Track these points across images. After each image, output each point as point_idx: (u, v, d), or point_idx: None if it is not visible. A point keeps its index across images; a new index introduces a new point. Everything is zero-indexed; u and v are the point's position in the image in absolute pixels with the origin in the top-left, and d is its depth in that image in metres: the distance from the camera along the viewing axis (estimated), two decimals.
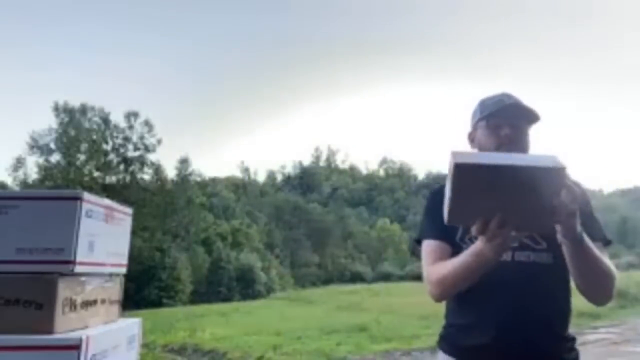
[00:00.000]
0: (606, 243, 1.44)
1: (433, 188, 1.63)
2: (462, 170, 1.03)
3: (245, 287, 38.40)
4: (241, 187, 67.75)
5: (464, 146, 1.55)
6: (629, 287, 15.39)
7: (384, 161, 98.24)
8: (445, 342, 1.51)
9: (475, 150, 1.47)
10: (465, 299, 1.42)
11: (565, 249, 1.25)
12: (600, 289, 1.35)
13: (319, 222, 54.36)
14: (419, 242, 1.53)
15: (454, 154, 1.05)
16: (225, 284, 38.66)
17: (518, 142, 1.40)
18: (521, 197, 1.04)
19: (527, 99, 1.46)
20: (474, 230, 1.14)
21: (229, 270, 39.37)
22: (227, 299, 34.19)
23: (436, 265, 1.41)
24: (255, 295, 35.72)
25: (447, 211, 1.10)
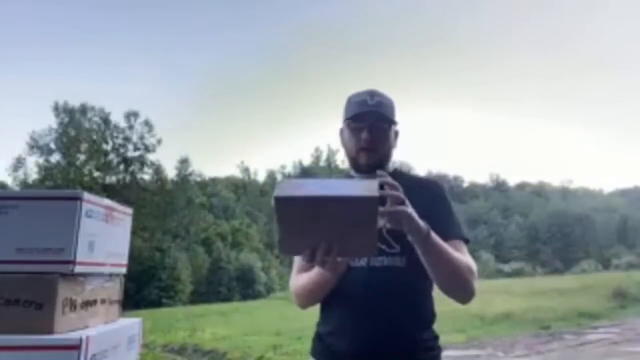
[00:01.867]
0: (465, 241, 1.45)
1: None
2: (282, 203, 1.07)
3: (245, 287, 38.39)
4: (241, 187, 67.75)
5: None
6: (629, 287, 15.39)
7: None
8: (315, 348, 1.53)
9: (344, 149, 1.54)
10: (326, 307, 1.50)
11: (416, 248, 1.28)
12: (457, 285, 1.36)
13: None
14: None
15: (278, 186, 1.10)
16: (225, 284, 38.64)
17: (377, 146, 1.45)
18: (340, 224, 1.09)
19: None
20: (303, 259, 1.18)
21: (229, 270, 39.37)
22: (227, 299, 34.22)
23: (298, 276, 1.50)
24: (255, 295, 35.71)
25: (278, 243, 1.13)
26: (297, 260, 1.53)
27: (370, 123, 1.44)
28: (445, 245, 1.30)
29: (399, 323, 1.39)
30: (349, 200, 1.07)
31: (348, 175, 1.58)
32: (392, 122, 1.47)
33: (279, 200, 1.06)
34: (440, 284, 1.37)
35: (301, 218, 1.08)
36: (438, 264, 1.31)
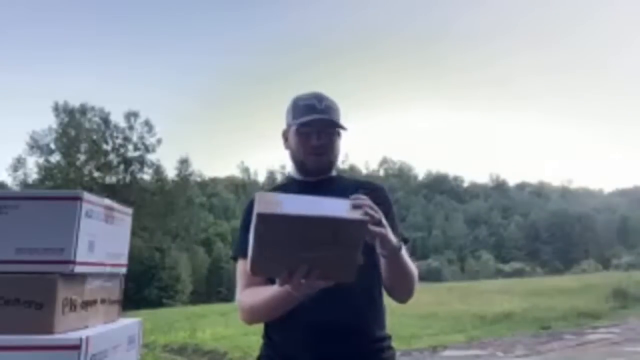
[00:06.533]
0: (405, 242, 1.44)
1: (250, 200, 1.56)
2: (266, 221, 0.99)
3: None
4: (241, 187, 67.78)
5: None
6: (629, 287, 15.35)
7: (384, 161, 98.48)
8: (266, 354, 1.47)
9: (288, 151, 1.52)
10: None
11: (383, 260, 1.30)
12: (410, 289, 1.42)
13: None
14: (235, 259, 1.49)
15: (259, 200, 1.01)
16: (225, 284, 38.66)
17: (326, 151, 1.46)
18: (325, 247, 1.03)
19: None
20: (278, 282, 1.13)
21: (229, 270, 39.37)
22: (227, 299, 34.22)
23: (249, 290, 1.39)
24: None
25: (250, 261, 1.06)
26: (244, 272, 1.41)
27: (320, 129, 1.44)
28: (406, 255, 1.34)
29: (357, 321, 1.38)
30: (339, 222, 1.02)
31: (291, 178, 1.57)
32: (341, 127, 1.47)
33: (262, 217, 0.99)
34: (393, 286, 1.41)
35: (284, 238, 1.01)
36: (398, 272, 1.34)
